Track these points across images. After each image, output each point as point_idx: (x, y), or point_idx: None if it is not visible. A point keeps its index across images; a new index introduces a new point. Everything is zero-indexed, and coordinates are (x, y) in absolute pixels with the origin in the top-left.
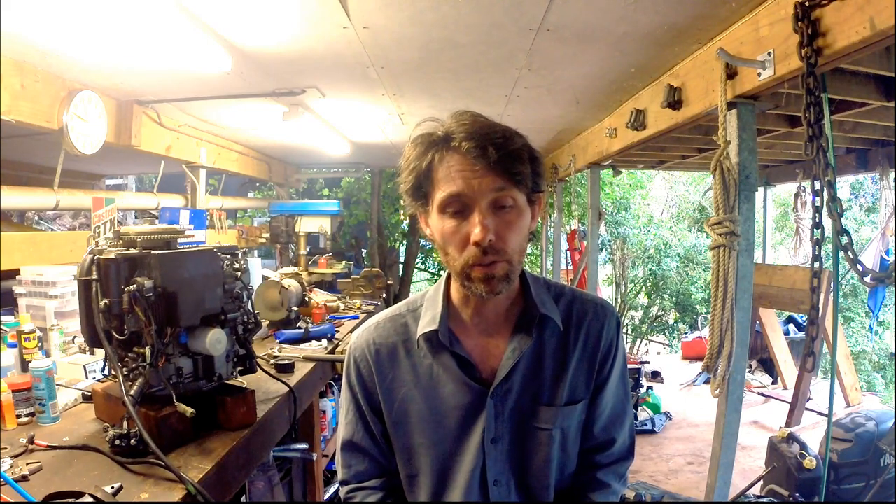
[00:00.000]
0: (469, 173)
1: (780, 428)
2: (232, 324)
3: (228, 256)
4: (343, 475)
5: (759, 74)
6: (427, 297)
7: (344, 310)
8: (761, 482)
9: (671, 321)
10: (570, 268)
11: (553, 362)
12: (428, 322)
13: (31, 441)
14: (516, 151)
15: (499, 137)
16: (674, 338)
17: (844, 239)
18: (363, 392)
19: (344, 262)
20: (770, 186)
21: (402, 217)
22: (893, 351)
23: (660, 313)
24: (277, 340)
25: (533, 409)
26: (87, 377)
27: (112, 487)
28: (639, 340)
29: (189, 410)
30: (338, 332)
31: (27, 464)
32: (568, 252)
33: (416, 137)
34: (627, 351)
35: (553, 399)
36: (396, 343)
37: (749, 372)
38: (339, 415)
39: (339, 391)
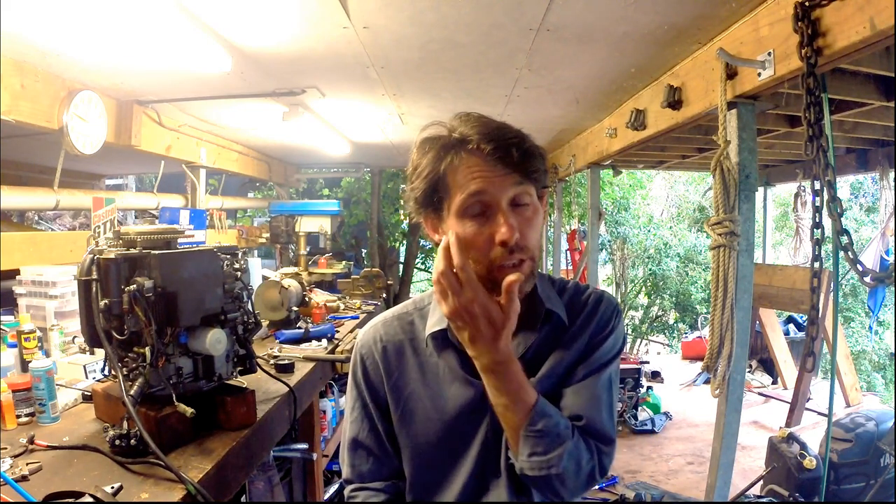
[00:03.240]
0: (490, 174)
1: (780, 428)
2: (232, 324)
3: (228, 256)
4: (347, 474)
5: (759, 74)
6: (434, 297)
7: (344, 310)
8: (761, 482)
9: (671, 321)
10: (570, 268)
11: (557, 357)
12: (436, 321)
13: (31, 441)
14: (531, 150)
15: (515, 138)
16: (674, 338)
17: (844, 239)
18: (369, 389)
19: (344, 262)
20: (770, 186)
21: (402, 217)
22: (893, 351)
23: (660, 313)
24: (277, 340)
25: None
26: (87, 377)
27: (112, 487)
28: (639, 340)
29: (189, 410)
30: (338, 332)
31: (27, 464)
32: (568, 252)
33: (423, 143)
34: (627, 351)
35: (556, 394)
36: (403, 341)
37: (749, 372)
38: (344, 413)
39: (339, 391)
